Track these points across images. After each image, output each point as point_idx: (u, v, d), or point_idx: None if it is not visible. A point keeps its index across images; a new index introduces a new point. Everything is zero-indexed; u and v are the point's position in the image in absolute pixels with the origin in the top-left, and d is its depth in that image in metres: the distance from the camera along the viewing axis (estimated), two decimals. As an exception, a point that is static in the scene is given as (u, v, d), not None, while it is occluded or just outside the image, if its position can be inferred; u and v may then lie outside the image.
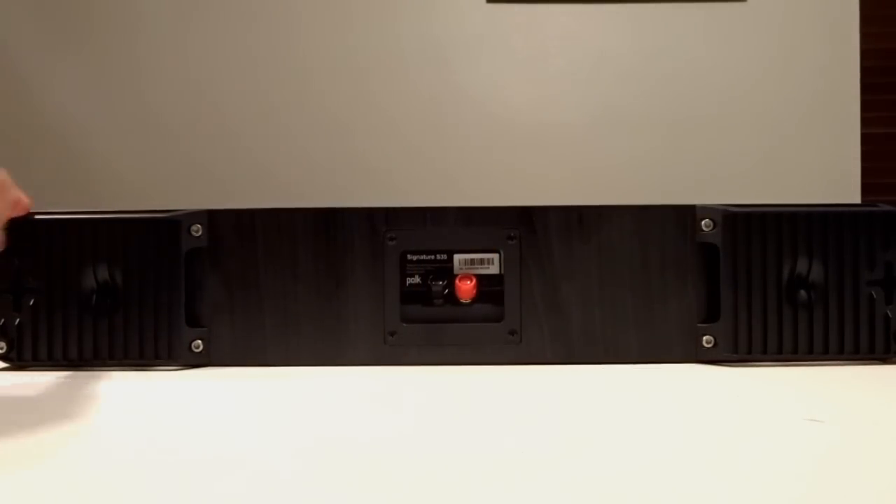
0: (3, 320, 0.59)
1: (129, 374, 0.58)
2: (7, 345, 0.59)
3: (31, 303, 0.59)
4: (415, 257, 0.61)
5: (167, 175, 1.63)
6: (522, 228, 0.61)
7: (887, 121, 1.66)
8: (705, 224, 0.60)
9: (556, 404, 0.47)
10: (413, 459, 0.33)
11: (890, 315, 0.59)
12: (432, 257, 0.61)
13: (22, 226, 0.59)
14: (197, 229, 0.60)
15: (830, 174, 1.62)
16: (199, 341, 0.60)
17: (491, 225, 0.61)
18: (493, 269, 0.61)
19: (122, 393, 0.51)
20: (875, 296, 0.59)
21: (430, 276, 0.61)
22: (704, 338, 0.59)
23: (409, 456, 0.34)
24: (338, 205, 0.61)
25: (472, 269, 0.61)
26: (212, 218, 0.60)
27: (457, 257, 0.61)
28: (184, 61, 1.65)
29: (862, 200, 1.58)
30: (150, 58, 1.65)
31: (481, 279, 0.61)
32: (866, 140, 1.62)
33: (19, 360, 0.59)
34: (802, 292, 0.58)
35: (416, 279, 0.61)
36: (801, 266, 0.59)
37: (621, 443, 0.36)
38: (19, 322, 0.59)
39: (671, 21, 1.64)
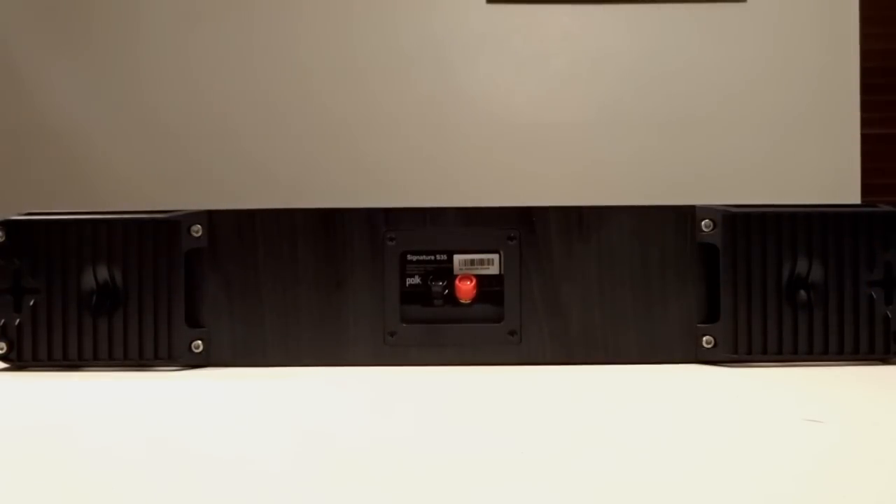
0: (3, 320, 0.59)
1: (129, 374, 0.58)
2: (7, 345, 0.59)
3: (31, 303, 0.59)
4: (415, 258, 0.61)
5: (167, 175, 1.63)
6: (522, 228, 0.60)
7: (887, 121, 1.66)
8: (705, 224, 0.60)
9: (555, 404, 0.47)
10: (413, 459, 0.33)
11: (890, 315, 0.58)
12: (432, 258, 0.61)
13: (22, 226, 0.59)
14: (197, 230, 0.60)
15: (830, 174, 1.62)
16: (199, 341, 0.60)
17: (491, 225, 0.61)
18: (493, 270, 0.61)
19: (121, 393, 0.51)
20: (875, 296, 0.59)
21: (430, 277, 0.61)
22: (704, 338, 0.59)
23: (408, 456, 0.34)
24: (338, 205, 0.61)
25: (472, 269, 0.61)
26: (212, 218, 0.60)
27: (457, 258, 0.61)
28: (184, 62, 1.65)
29: (862, 200, 1.58)
30: (151, 58, 1.65)
31: (481, 279, 0.60)
32: (866, 140, 1.62)
33: (19, 361, 0.59)
34: (802, 292, 0.58)
35: (416, 279, 0.61)
36: (801, 266, 0.59)
37: (621, 443, 0.36)
38: (19, 322, 0.59)
39: (671, 21, 1.64)
